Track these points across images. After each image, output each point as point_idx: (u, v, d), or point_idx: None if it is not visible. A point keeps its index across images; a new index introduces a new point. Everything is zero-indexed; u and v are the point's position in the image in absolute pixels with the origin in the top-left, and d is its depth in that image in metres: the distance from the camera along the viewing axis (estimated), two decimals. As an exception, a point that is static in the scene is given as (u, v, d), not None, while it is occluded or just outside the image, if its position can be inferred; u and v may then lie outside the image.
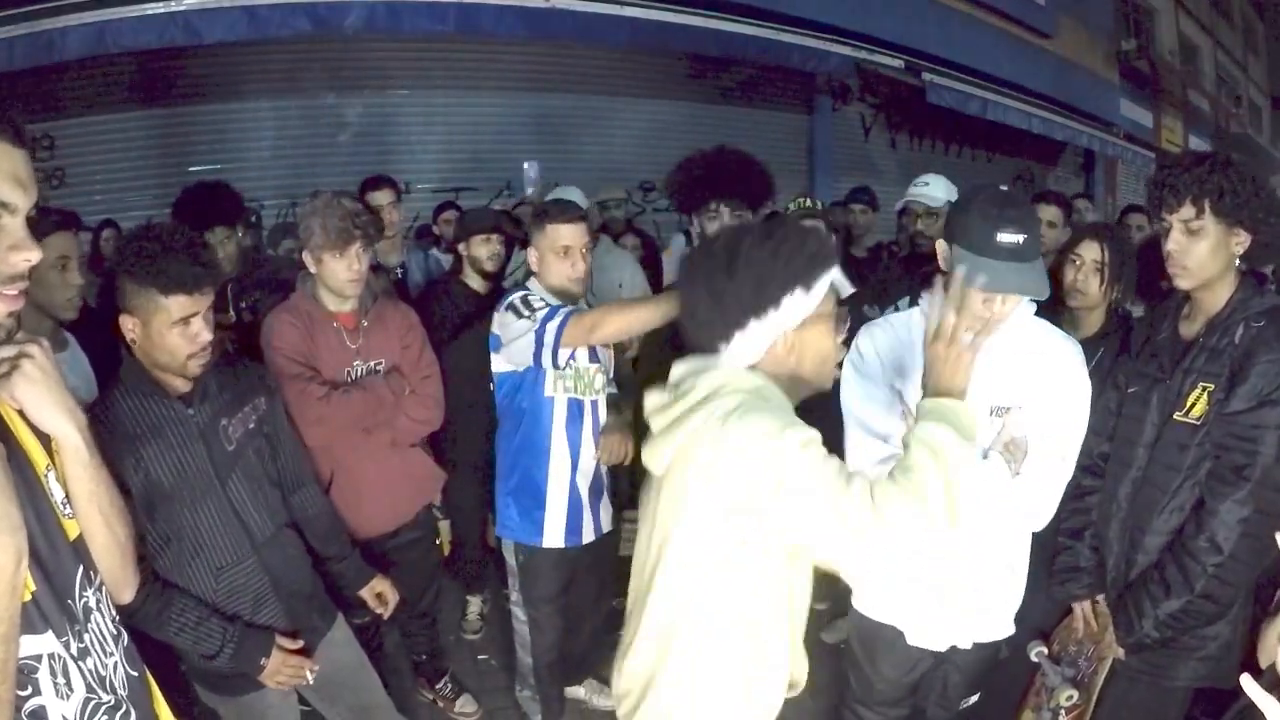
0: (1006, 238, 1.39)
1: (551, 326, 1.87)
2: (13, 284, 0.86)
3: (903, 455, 1.05)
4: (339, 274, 1.97)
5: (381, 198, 3.05)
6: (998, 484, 1.51)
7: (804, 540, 1.04)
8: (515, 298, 1.98)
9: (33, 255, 0.86)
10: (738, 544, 1.06)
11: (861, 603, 1.75)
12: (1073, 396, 1.54)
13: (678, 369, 1.19)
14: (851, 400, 1.65)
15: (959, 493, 1.00)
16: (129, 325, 1.46)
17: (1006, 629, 1.69)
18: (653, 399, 1.19)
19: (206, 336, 1.47)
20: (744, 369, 1.13)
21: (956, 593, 1.62)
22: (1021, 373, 1.52)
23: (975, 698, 1.83)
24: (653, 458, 1.15)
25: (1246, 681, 0.96)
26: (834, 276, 1.15)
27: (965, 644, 1.67)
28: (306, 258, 1.99)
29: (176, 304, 1.43)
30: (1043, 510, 1.55)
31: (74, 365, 1.83)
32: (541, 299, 1.96)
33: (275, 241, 3.78)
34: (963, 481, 1.01)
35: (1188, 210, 1.47)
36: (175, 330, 1.44)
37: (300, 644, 1.65)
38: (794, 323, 1.11)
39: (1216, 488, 1.47)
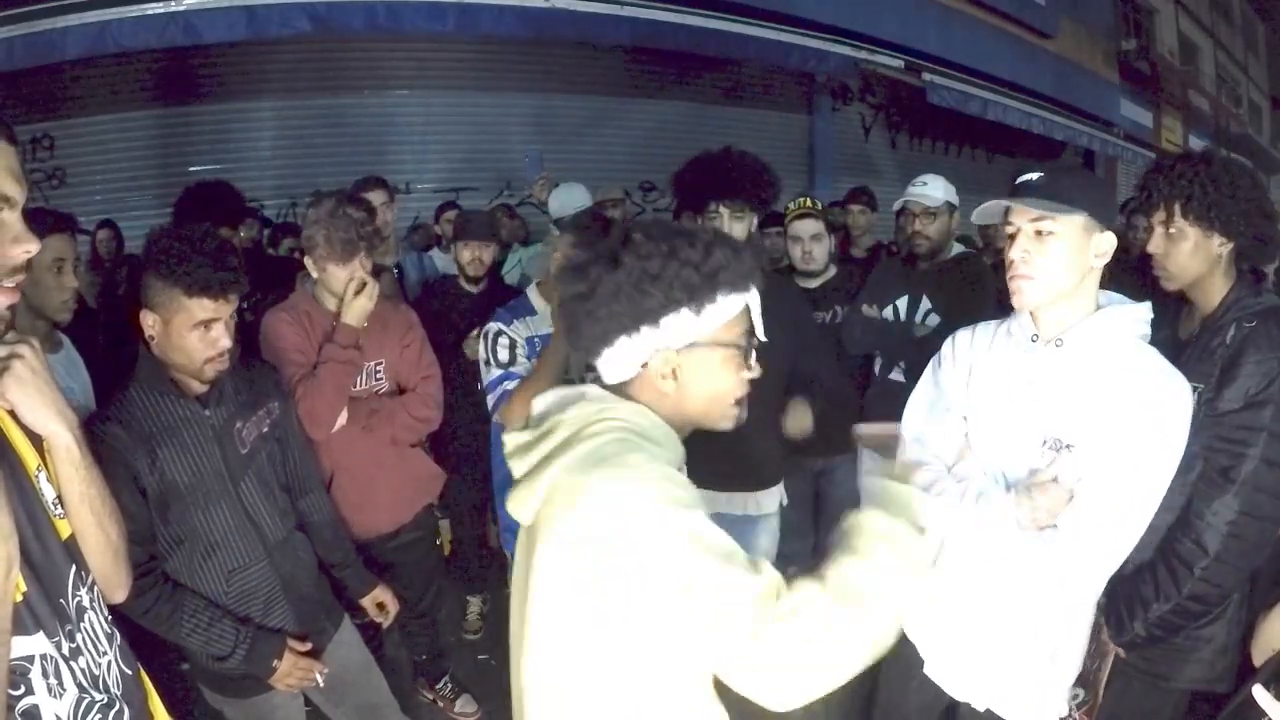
0: (1021, 177, 1.29)
1: (493, 398, 1.97)
2: (12, 277, 0.87)
3: (849, 553, 0.89)
4: (341, 282, 1.97)
5: (374, 199, 3.05)
6: (1005, 536, 1.29)
7: (673, 641, 0.87)
8: (491, 329, 2.03)
9: (32, 247, 0.87)
10: (606, 617, 0.89)
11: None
12: (1149, 441, 1.23)
13: (542, 399, 1.02)
14: (915, 410, 1.52)
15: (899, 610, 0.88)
16: (149, 322, 1.45)
17: (1037, 717, 1.44)
18: (512, 438, 1.00)
19: (226, 343, 1.47)
20: (616, 398, 0.96)
21: (971, 638, 1.43)
22: (1090, 401, 1.26)
23: None
24: (517, 507, 0.96)
25: (1259, 694, 0.96)
26: (747, 303, 0.98)
27: (978, 704, 1.47)
28: (309, 263, 1.99)
29: (199, 307, 1.42)
30: (1076, 574, 1.29)
31: (69, 367, 1.83)
32: (507, 346, 2.02)
33: (276, 241, 3.78)
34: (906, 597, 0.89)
35: (1161, 214, 1.48)
36: (195, 333, 1.43)
37: (309, 646, 1.65)
38: (676, 343, 0.95)
39: (1203, 490, 1.46)
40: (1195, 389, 1.49)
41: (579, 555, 0.87)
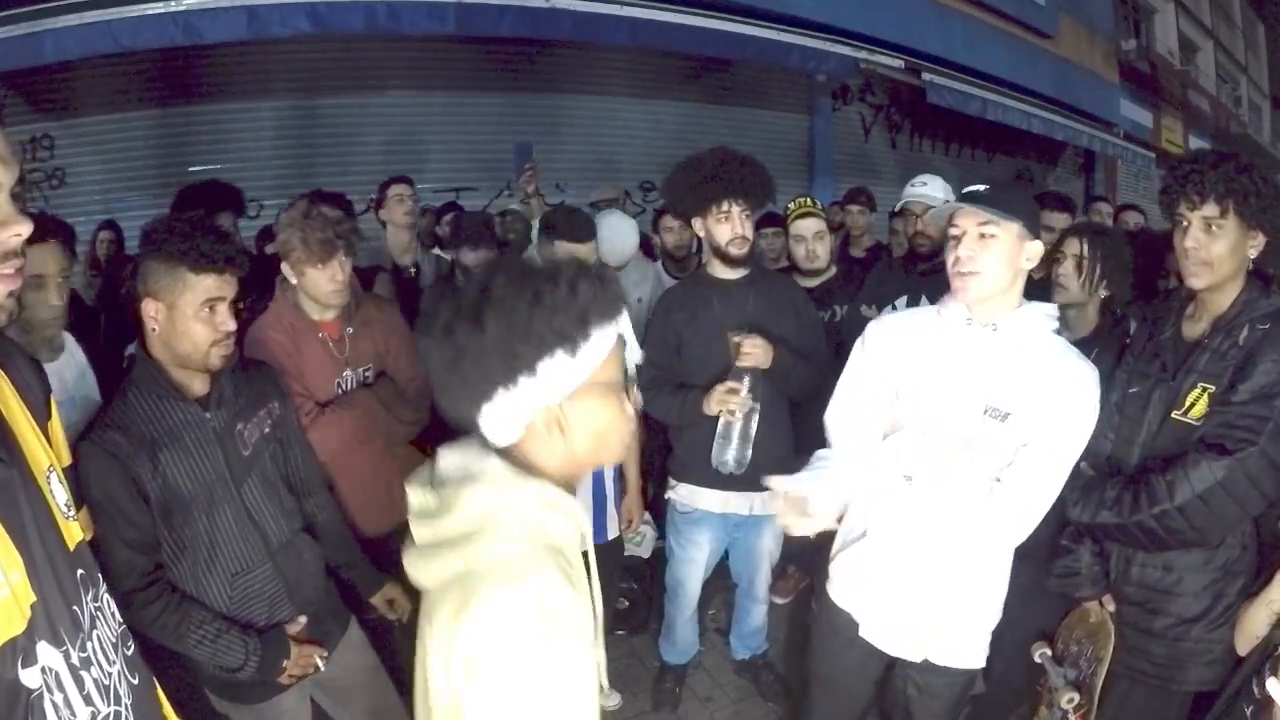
0: (968, 188, 1.51)
1: None
2: (6, 261, 0.85)
3: None
4: (322, 285, 1.91)
5: (402, 191, 3.27)
6: (944, 498, 1.50)
7: None
8: None
9: (22, 229, 0.85)
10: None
11: (829, 586, 1.76)
12: (1072, 416, 1.46)
13: (448, 456, 0.94)
14: (841, 395, 1.70)
15: None
16: (152, 311, 1.41)
17: (969, 659, 1.63)
18: (415, 495, 0.93)
19: (230, 325, 1.45)
20: (517, 481, 0.88)
21: (905, 595, 1.59)
22: (1024, 378, 1.47)
23: None
24: (415, 572, 0.91)
25: (1273, 686, 0.96)
26: (619, 332, 0.92)
27: (915, 658, 1.63)
28: (286, 269, 1.93)
29: (205, 285, 1.40)
30: (1013, 524, 1.49)
31: (72, 366, 1.83)
32: None
33: (261, 244, 3.75)
34: None
35: (1211, 208, 1.47)
36: (202, 314, 1.41)
37: (301, 625, 1.63)
38: (559, 395, 0.88)
39: (1202, 449, 1.48)
40: (1205, 390, 1.51)
41: (455, 657, 0.83)
